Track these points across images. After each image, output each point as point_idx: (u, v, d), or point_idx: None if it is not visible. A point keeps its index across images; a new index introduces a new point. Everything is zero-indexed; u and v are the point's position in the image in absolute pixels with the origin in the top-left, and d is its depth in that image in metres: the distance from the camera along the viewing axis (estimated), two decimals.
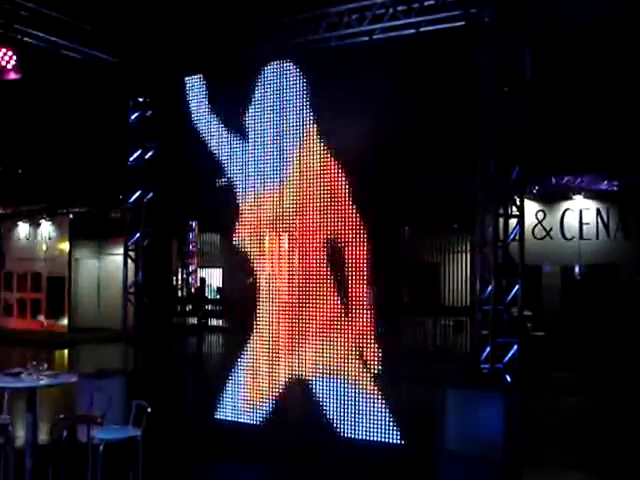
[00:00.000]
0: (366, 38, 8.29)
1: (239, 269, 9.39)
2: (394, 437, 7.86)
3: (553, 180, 15.44)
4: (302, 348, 8.51)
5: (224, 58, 9.18)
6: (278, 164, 8.64)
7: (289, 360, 8.64)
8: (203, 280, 19.18)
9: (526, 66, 7.32)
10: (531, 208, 15.90)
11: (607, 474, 8.47)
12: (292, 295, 8.58)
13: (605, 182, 15.49)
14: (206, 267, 18.80)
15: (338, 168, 8.21)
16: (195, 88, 9.38)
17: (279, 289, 8.70)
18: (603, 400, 12.43)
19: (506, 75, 7.37)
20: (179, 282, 19.57)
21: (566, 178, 15.44)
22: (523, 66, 7.33)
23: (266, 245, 8.81)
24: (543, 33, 7.72)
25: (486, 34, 7.39)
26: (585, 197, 16.22)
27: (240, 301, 9.46)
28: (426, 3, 7.76)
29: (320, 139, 8.36)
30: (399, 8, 7.92)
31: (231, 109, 9.09)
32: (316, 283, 8.36)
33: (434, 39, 7.81)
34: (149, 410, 6.49)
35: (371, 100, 7.82)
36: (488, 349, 7.26)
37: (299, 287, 8.51)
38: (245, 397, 9.03)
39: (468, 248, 14.03)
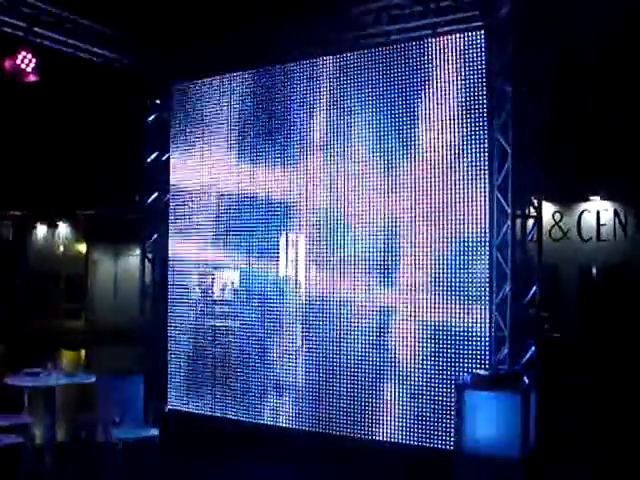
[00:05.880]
0: (382, 39, 8.28)
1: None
2: (412, 438, 7.85)
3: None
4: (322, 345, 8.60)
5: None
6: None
7: (311, 360, 8.70)
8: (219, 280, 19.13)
9: (543, 66, 7.29)
10: (548, 209, 15.77)
11: (622, 476, 8.41)
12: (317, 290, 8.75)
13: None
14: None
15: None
16: None
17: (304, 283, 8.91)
18: (620, 403, 12.32)
19: (523, 75, 7.33)
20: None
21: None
22: (540, 66, 7.30)
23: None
24: (560, 32, 7.68)
25: (503, 34, 7.35)
26: (602, 198, 16.08)
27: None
28: (443, 4, 7.72)
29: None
30: (416, 9, 7.90)
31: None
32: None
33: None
34: (166, 410, 6.51)
35: None
36: (506, 350, 7.24)
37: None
38: (265, 397, 9.05)
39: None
